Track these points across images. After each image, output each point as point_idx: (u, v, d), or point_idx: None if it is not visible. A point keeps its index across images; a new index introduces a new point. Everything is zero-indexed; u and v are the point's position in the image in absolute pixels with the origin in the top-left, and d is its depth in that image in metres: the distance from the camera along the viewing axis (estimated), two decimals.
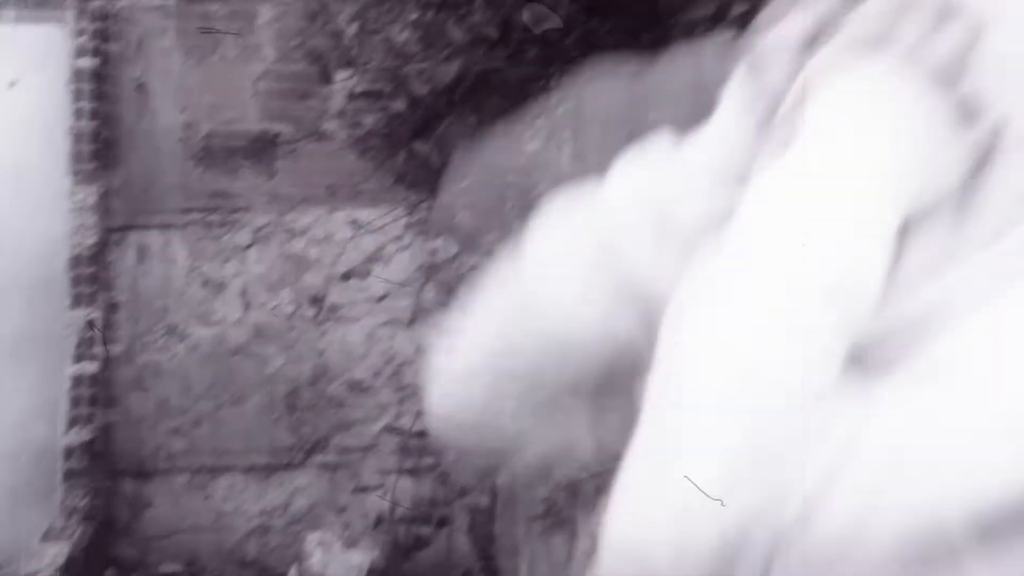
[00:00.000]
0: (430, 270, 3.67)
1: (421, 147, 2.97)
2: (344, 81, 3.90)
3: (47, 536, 4.09)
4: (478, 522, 4.30)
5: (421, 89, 3.09)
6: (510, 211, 1.21)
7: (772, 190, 0.79)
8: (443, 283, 3.75)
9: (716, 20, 2.46)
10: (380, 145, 3.48)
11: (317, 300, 4.65)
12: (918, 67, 0.78)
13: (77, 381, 4.45)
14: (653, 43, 2.71)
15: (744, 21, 2.54)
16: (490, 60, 2.74)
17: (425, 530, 4.44)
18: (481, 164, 1.30)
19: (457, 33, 2.77)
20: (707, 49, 1.01)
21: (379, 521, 4.54)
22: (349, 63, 3.78)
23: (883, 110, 0.79)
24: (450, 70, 2.74)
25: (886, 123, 0.78)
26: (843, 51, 0.82)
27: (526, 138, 1.43)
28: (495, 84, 2.76)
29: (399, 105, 3.32)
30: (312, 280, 4.66)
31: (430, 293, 4.27)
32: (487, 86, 2.78)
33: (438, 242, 3.94)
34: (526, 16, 2.60)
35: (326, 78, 3.65)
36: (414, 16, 3.07)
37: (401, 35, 3.25)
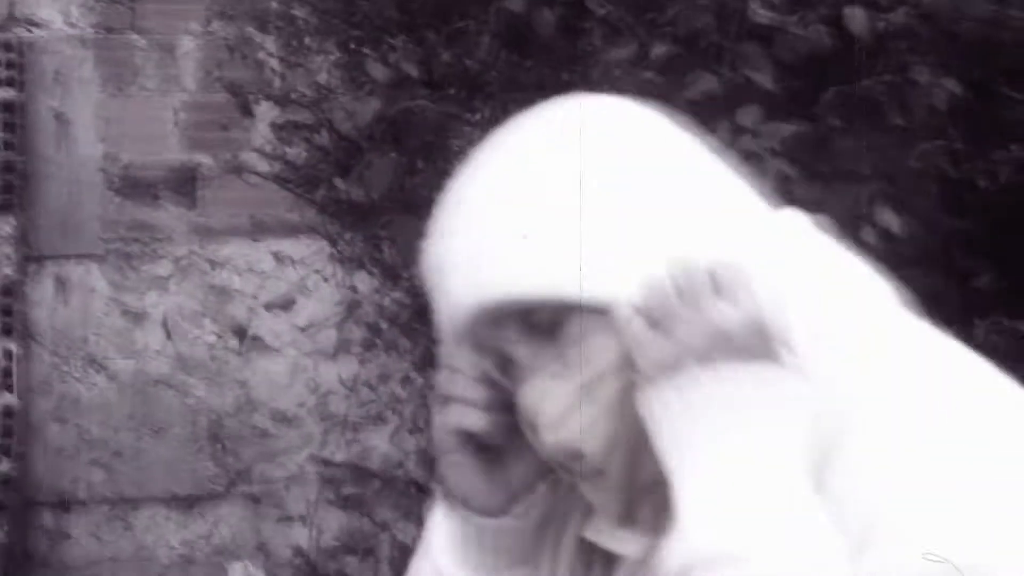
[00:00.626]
0: (351, 304, 3.68)
1: (342, 183, 3.00)
2: (266, 113, 3.93)
3: None
4: (403, 554, 4.30)
5: (344, 125, 3.12)
6: None
7: None
8: (364, 316, 3.77)
9: (636, 62, 2.51)
10: (302, 179, 3.50)
11: (240, 331, 4.64)
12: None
13: None
14: (573, 82, 2.76)
15: (663, 63, 2.58)
16: (411, 98, 2.78)
17: (349, 561, 4.44)
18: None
19: (378, 70, 2.81)
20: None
21: (303, 552, 4.52)
22: (270, 96, 3.80)
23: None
24: (370, 107, 2.77)
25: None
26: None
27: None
28: (416, 121, 2.79)
29: (321, 139, 3.35)
30: (235, 311, 4.64)
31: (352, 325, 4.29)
32: (408, 123, 2.81)
33: (360, 275, 3.96)
34: None
35: (247, 111, 3.67)
36: (335, 52, 3.11)
37: (322, 70, 3.29)
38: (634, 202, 0.94)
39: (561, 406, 0.94)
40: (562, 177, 0.94)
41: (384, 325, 3.43)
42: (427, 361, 2.90)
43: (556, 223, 0.93)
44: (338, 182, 2.98)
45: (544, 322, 0.95)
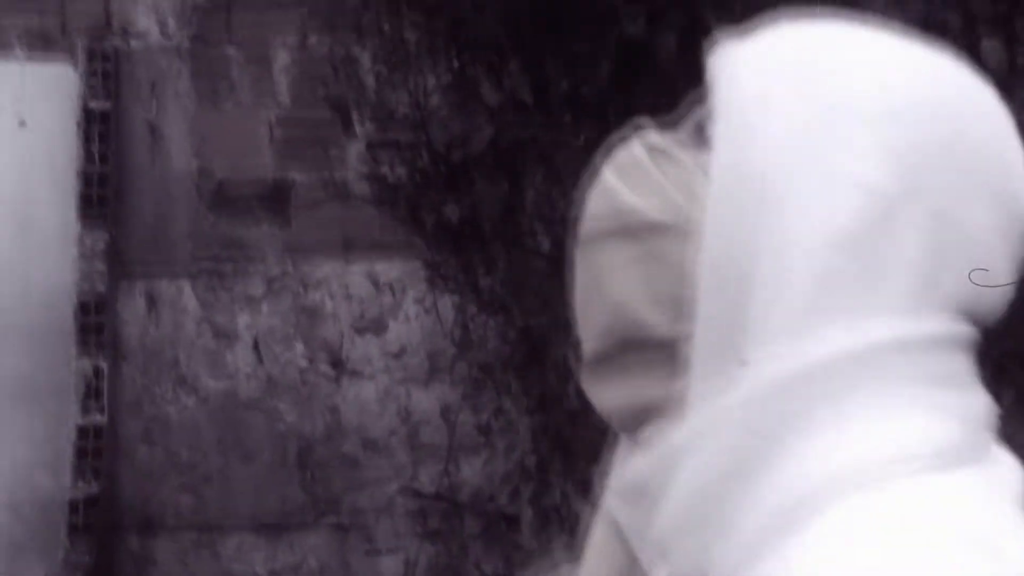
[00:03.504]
0: (462, 342, 3.66)
1: (450, 212, 2.94)
2: (366, 131, 3.92)
3: None
4: None
5: (448, 144, 3.09)
6: None
7: None
8: (464, 344, 3.75)
9: None
10: (403, 200, 3.48)
11: (332, 354, 4.62)
12: None
13: (83, 432, 4.41)
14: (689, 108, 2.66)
15: None
16: (525, 125, 2.70)
17: None
18: None
19: (491, 96, 2.74)
20: None
21: None
22: (372, 114, 3.79)
23: None
24: (485, 136, 2.70)
25: None
26: None
27: None
28: (528, 150, 2.72)
29: (423, 160, 3.31)
30: (327, 334, 4.63)
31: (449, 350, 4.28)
32: (521, 151, 2.74)
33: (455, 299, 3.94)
34: None
35: (348, 128, 3.65)
36: (446, 74, 3.06)
37: (431, 90, 3.24)
38: None
39: None
40: None
41: (494, 364, 3.39)
42: (539, 403, 2.85)
43: None
44: (447, 207, 2.91)
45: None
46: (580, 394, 1.00)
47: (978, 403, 0.87)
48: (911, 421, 0.83)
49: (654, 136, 0.95)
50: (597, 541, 1.02)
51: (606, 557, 0.99)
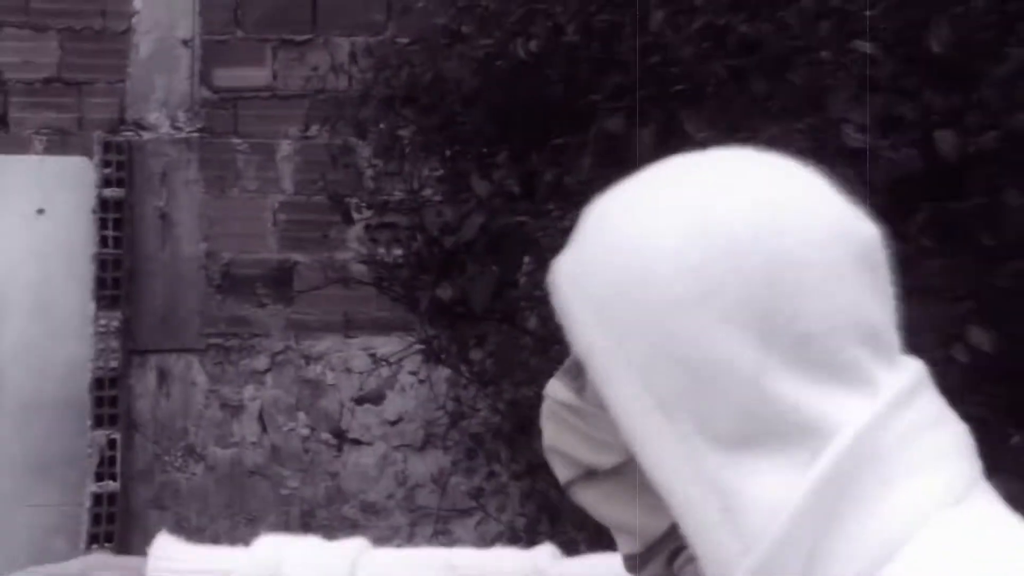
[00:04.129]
0: (454, 414, 3.68)
1: (443, 292, 3.00)
2: (363, 217, 3.95)
3: None
4: None
5: (442, 232, 3.13)
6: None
7: None
8: (456, 414, 3.78)
9: None
10: (399, 281, 3.51)
11: (332, 424, 4.65)
12: None
13: (97, 499, 4.43)
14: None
15: None
16: (512, 211, 2.79)
17: None
18: None
19: (481, 186, 2.82)
20: None
21: None
22: (370, 201, 3.82)
23: None
24: (474, 224, 2.78)
25: None
26: None
27: None
28: (516, 235, 2.80)
29: (418, 243, 3.36)
30: (328, 405, 4.66)
31: (442, 420, 4.29)
32: (509, 236, 2.82)
33: (447, 373, 3.96)
34: None
35: (348, 218, 3.69)
36: (438, 168, 3.13)
37: (424, 181, 3.31)
38: None
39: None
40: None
41: (485, 434, 3.42)
42: (526, 469, 2.89)
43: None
44: (439, 291, 2.97)
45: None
46: None
47: (961, 427, 0.87)
48: (925, 475, 0.82)
49: (557, 386, 0.94)
50: None
51: None
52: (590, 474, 0.92)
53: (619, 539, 0.95)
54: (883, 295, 0.87)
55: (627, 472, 0.88)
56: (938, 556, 0.78)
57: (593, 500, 0.94)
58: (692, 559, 0.85)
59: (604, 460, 0.90)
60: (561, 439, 0.94)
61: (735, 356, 0.80)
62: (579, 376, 0.91)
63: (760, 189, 0.86)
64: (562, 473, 0.95)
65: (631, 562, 0.94)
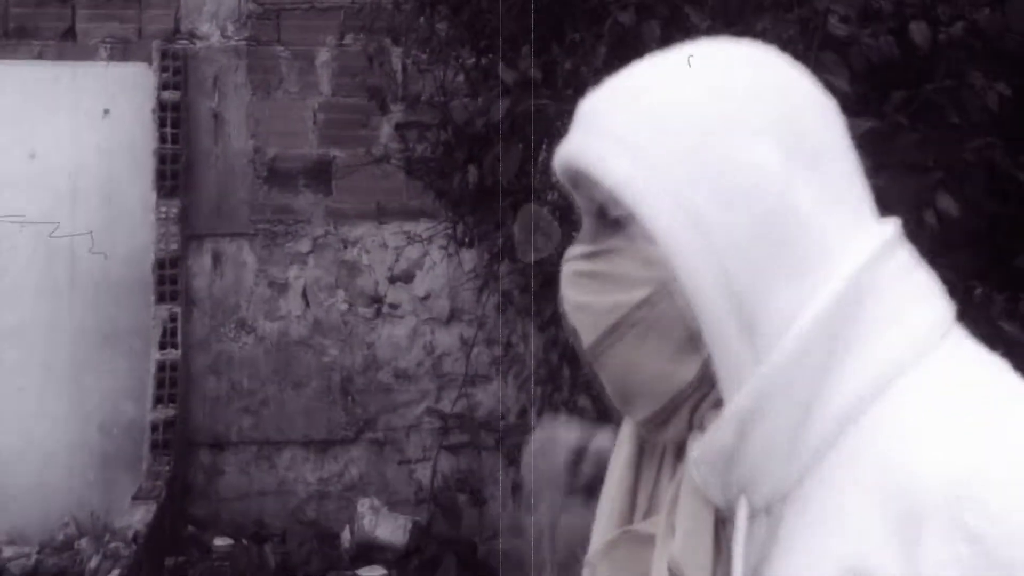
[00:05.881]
0: (487, 276, 3.68)
1: (473, 172, 3.03)
2: (396, 113, 3.97)
3: (137, 497, 4.14)
4: (509, 495, 4.33)
5: (467, 121, 3.14)
6: None
7: None
8: (482, 288, 3.79)
9: None
10: (429, 169, 3.53)
11: (368, 300, 4.70)
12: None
13: (161, 366, 4.50)
14: None
15: None
16: (535, 98, 2.81)
17: (461, 498, 4.48)
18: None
19: (508, 74, 2.85)
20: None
21: (421, 489, 4.59)
22: (402, 98, 3.84)
23: None
24: (501, 107, 2.81)
25: None
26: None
27: None
28: (537, 117, 2.83)
29: (446, 135, 3.37)
30: (364, 283, 4.72)
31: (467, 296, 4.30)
32: (531, 120, 2.85)
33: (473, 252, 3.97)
34: None
35: (384, 110, 3.71)
36: (470, 60, 3.16)
37: (454, 75, 3.33)
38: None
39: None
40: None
41: (516, 292, 3.43)
42: (550, 320, 2.91)
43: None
44: (470, 170, 3.01)
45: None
46: None
47: (932, 275, 0.87)
48: (921, 307, 0.83)
49: (576, 249, 0.90)
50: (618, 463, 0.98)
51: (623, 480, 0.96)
52: (615, 329, 0.87)
53: (637, 405, 0.89)
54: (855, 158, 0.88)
55: (655, 310, 0.85)
56: (943, 379, 0.80)
57: (620, 357, 0.87)
58: (717, 404, 0.83)
59: (633, 296, 0.85)
60: (585, 295, 0.89)
61: (766, 164, 0.80)
62: (597, 236, 0.89)
63: (762, 49, 0.89)
64: (588, 335, 0.89)
65: (651, 423, 0.89)
